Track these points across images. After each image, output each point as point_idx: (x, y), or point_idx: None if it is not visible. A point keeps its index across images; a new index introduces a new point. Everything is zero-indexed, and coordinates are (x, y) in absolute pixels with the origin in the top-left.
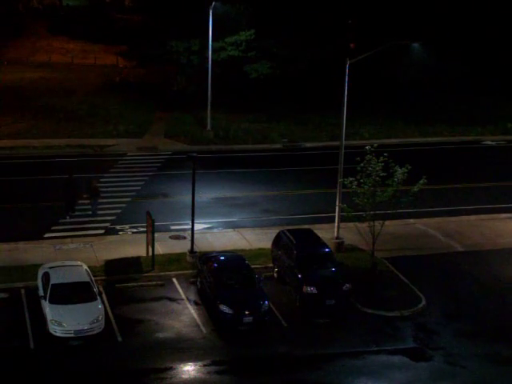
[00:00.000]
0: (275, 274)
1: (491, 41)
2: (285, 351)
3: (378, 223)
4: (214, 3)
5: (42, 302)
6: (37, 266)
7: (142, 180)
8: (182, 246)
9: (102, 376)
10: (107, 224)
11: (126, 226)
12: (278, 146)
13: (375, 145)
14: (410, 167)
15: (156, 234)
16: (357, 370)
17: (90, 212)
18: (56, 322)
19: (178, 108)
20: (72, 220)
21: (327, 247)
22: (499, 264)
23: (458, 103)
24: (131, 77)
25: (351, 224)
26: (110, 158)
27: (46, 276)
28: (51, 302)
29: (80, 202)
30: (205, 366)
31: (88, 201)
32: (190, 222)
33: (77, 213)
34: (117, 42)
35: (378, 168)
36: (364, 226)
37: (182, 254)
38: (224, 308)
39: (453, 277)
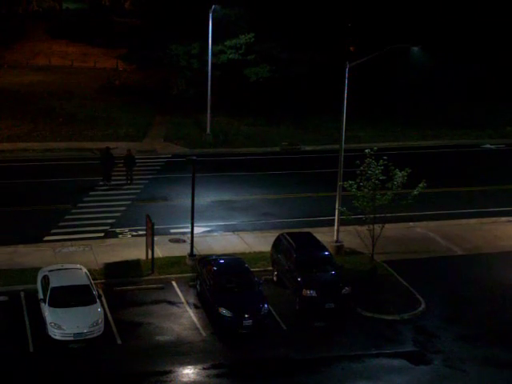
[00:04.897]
0: (275, 278)
1: (491, 44)
2: (284, 354)
3: (377, 226)
4: (213, 6)
5: (42, 305)
6: (36, 269)
7: (141, 183)
8: (182, 249)
9: (102, 379)
10: (107, 227)
11: (126, 229)
12: (277, 149)
13: (375, 148)
14: (409, 170)
15: (156, 237)
16: (356, 374)
17: (127, 181)
18: (55, 325)
19: (178, 111)
20: (72, 223)
21: (327, 250)
22: (499, 267)
23: (457, 106)
24: (131, 80)
25: (351, 227)
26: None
27: (46, 279)
28: (51, 305)
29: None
30: (204, 369)
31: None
32: (189, 225)
33: (76, 215)
34: (116, 46)
35: (377, 171)
36: (364, 229)
37: (182, 257)
38: (224, 311)
39: (452, 280)
